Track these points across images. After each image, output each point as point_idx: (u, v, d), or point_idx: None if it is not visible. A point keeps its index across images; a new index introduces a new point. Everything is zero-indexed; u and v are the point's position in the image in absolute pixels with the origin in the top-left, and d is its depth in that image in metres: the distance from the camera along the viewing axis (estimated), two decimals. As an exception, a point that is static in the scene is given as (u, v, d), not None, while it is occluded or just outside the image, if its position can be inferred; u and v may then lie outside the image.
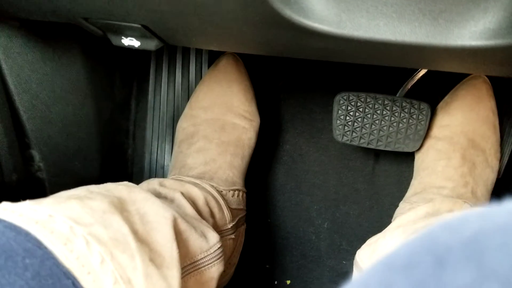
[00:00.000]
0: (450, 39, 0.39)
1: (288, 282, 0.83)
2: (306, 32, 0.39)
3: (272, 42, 0.45)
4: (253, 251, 0.82)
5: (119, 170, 0.84)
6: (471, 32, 0.38)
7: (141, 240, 0.42)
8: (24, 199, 0.43)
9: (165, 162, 0.85)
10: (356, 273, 0.64)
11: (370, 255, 0.61)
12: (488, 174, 0.69)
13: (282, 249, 0.85)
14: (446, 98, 0.74)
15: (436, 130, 0.71)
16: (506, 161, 0.74)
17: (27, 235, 0.34)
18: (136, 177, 0.86)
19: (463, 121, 0.69)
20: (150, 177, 0.85)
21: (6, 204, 0.38)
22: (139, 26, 0.44)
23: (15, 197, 0.64)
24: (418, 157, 0.74)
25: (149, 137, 0.85)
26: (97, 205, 0.41)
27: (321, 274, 0.84)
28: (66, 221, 0.38)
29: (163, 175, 0.85)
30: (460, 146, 0.68)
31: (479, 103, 0.69)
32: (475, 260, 0.15)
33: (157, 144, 0.85)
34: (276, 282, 0.84)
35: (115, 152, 0.82)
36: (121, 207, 0.44)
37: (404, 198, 0.72)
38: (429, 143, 0.72)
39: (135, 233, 0.42)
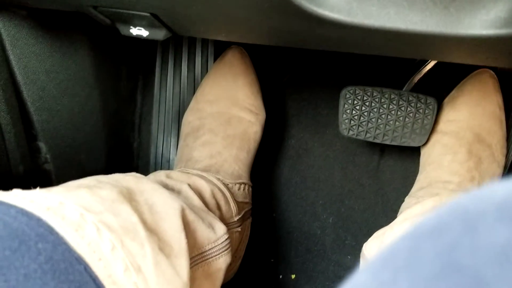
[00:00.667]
0: (461, 28, 0.39)
1: (293, 276, 0.83)
2: (316, 20, 0.39)
3: (281, 31, 0.45)
4: (258, 245, 0.82)
5: (125, 163, 0.84)
6: (482, 21, 0.38)
7: (150, 229, 0.42)
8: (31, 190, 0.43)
9: (171, 156, 0.85)
10: (363, 265, 0.64)
11: (378, 247, 0.61)
12: (495, 169, 0.69)
13: (287, 244, 0.85)
14: (452, 92, 0.73)
15: (442, 125, 0.71)
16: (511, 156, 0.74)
17: (39, 221, 0.34)
18: (141, 170, 0.86)
19: (469, 116, 0.69)
20: (155, 170, 0.85)
21: (17, 191, 0.38)
22: (148, 14, 0.44)
23: (22, 188, 0.64)
24: (424, 152, 0.74)
25: (154, 131, 0.85)
26: (107, 194, 0.42)
27: (326, 268, 0.84)
28: (77, 208, 0.38)
29: (169, 169, 0.85)
30: (466, 140, 0.68)
31: (486, 98, 0.69)
32: (508, 220, 0.15)
33: (163, 138, 0.85)
34: (280, 276, 0.84)
35: (121, 145, 0.82)
36: (129, 197, 0.44)
37: (410, 193, 0.72)
38: (435, 137, 0.71)
39: (144, 222, 0.42)
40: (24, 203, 0.36)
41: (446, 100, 0.74)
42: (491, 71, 0.71)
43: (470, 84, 0.71)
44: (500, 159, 0.70)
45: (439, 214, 0.17)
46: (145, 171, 0.86)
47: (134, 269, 0.38)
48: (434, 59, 0.71)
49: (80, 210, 0.38)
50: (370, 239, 0.64)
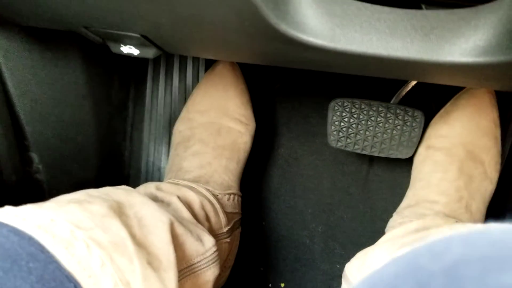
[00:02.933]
0: (441, 55, 0.40)
1: (282, 285, 0.84)
2: (301, 45, 0.40)
3: (267, 53, 0.46)
4: (247, 254, 0.83)
5: (116, 172, 0.85)
6: (462, 49, 0.39)
7: (139, 243, 0.43)
8: (23, 200, 0.44)
9: (162, 164, 0.86)
10: (345, 286, 0.65)
11: (359, 268, 0.62)
12: (486, 186, 0.68)
13: (276, 252, 0.86)
14: (446, 106, 0.73)
15: (434, 140, 0.70)
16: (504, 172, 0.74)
17: (30, 240, 0.35)
18: (133, 179, 0.87)
19: (462, 132, 0.68)
20: (146, 178, 0.86)
21: (9, 208, 0.39)
22: (138, 35, 0.45)
23: (14, 198, 0.65)
24: (416, 166, 0.73)
25: (146, 140, 0.86)
26: (97, 209, 0.42)
27: (315, 277, 0.85)
28: (67, 225, 0.38)
29: (160, 177, 0.86)
30: (457, 158, 0.67)
31: (481, 113, 0.68)
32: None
33: (154, 147, 0.86)
34: (270, 285, 0.85)
35: (113, 154, 0.83)
36: (119, 211, 0.45)
37: (398, 209, 0.73)
38: (426, 153, 0.70)
39: (133, 236, 0.43)
40: (16, 221, 0.37)
41: (440, 113, 0.73)
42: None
43: (465, 99, 0.70)
44: (493, 175, 0.69)
45: (394, 267, 0.18)
46: (136, 179, 0.87)
47: (123, 284, 0.39)
48: (417, 80, 0.72)
49: (70, 227, 0.39)
50: (352, 260, 0.65)
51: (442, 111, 0.72)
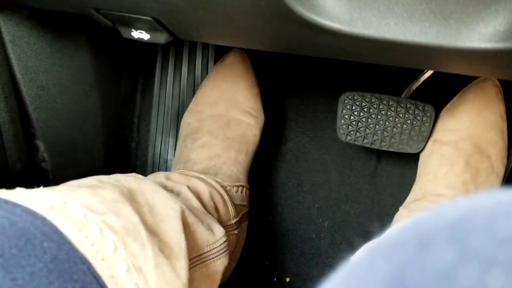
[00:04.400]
0: (459, 40, 0.39)
1: (288, 279, 0.84)
2: (317, 29, 0.40)
3: (282, 39, 0.45)
4: (253, 248, 0.82)
5: (123, 162, 0.84)
6: (481, 34, 0.38)
7: (150, 230, 0.42)
8: (29, 188, 0.43)
9: (169, 156, 0.85)
10: None
11: None
12: (493, 181, 0.67)
13: (282, 247, 0.85)
14: (453, 100, 0.72)
15: (441, 134, 0.70)
16: (510, 166, 0.74)
17: (43, 220, 0.35)
18: (139, 170, 0.86)
19: (469, 125, 0.67)
20: (153, 170, 0.86)
21: (21, 190, 0.39)
22: (150, 18, 0.44)
23: (20, 186, 0.64)
24: (422, 161, 0.73)
25: (153, 131, 0.85)
26: (108, 195, 0.42)
27: (321, 272, 0.84)
28: (80, 208, 0.38)
29: (166, 169, 0.85)
30: (465, 152, 0.66)
31: (487, 108, 0.68)
32: (458, 241, 0.15)
33: (161, 138, 0.85)
34: (275, 279, 0.84)
35: (119, 145, 0.83)
36: (131, 198, 0.44)
37: (404, 203, 0.72)
38: (433, 147, 0.70)
39: (144, 223, 0.42)
40: (28, 202, 0.36)
41: (446, 107, 0.72)
42: (495, 80, 0.70)
43: (472, 93, 0.69)
44: (500, 169, 0.69)
45: (398, 230, 0.17)
46: (142, 171, 0.86)
47: (136, 269, 0.38)
48: (432, 69, 0.71)
49: (83, 210, 0.38)
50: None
51: (449, 105, 0.72)
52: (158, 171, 0.85)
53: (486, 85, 0.69)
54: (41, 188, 0.40)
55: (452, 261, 0.14)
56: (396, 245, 0.17)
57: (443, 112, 0.72)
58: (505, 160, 0.70)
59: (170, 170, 0.84)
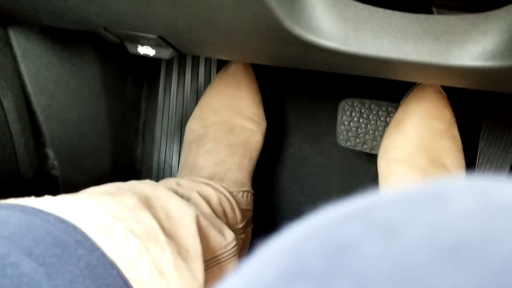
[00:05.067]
0: (450, 59, 0.41)
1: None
2: (314, 47, 0.42)
3: (280, 55, 0.47)
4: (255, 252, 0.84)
5: (129, 168, 0.87)
6: (471, 53, 0.40)
7: (168, 235, 0.44)
8: (39, 196, 0.45)
9: (173, 162, 0.87)
10: None
11: None
12: None
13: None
14: (397, 113, 0.69)
15: (392, 153, 0.66)
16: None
17: (74, 228, 0.37)
18: (144, 176, 0.88)
19: (418, 139, 0.65)
20: (158, 176, 0.88)
21: (50, 198, 0.41)
22: (155, 37, 0.46)
23: (31, 194, 0.66)
24: (381, 185, 0.70)
25: (158, 137, 0.88)
26: (128, 201, 0.44)
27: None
28: (105, 215, 0.40)
29: (171, 175, 0.87)
30: (419, 167, 0.64)
31: (432, 117, 0.65)
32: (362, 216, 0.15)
33: (166, 144, 0.87)
34: (277, 281, 0.86)
35: (125, 151, 0.85)
36: (147, 204, 0.46)
37: None
38: (388, 168, 0.67)
39: (162, 228, 0.44)
40: (59, 210, 0.38)
41: (392, 123, 0.69)
42: (436, 85, 0.67)
43: (415, 104, 0.67)
44: (459, 174, 0.66)
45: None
46: (148, 177, 0.88)
47: (158, 272, 0.40)
48: (426, 82, 0.72)
49: (108, 217, 0.40)
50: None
51: (394, 119, 0.69)
52: (163, 176, 0.87)
53: (427, 93, 0.66)
54: (68, 196, 0.42)
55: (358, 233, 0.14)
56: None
57: (389, 129, 0.69)
58: (462, 162, 0.67)
59: (174, 176, 0.86)
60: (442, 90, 0.67)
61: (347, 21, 0.41)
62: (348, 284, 0.12)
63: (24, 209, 0.37)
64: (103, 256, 0.37)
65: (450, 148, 0.65)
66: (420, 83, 0.69)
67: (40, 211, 0.37)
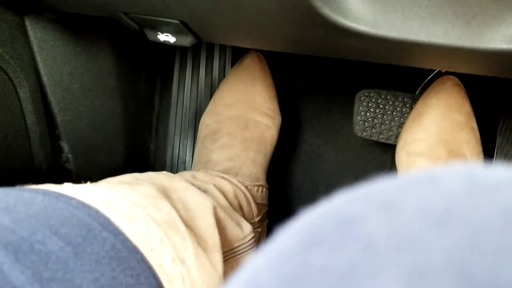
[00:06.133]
0: (482, 42, 0.40)
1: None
2: (342, 31, 0.41)
3: (305, 41, 0.46)
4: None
5: (142, 163, 0.86)
6: (503, 36, 0.39)
7: (187, 225, 0.44)
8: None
9: (187, 157, 0.86)
10: None
11: None
12: None
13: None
14: (417, 107, 0.70)
15: (413, 146, 0.67)
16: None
17: (97, 212, 0.36)
18: (157, 171, 0.87)
19: (438, 131, 0.65)
20: (171, 171, 0.87)
21: (69, 185, 0.40)
22: (177, 22, 0.45)
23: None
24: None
25: (171, 132, 0.87)
26: (146, 190, 0.43)
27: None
28: (126, 202, 0.39)
29: (184, 170, 0.86)
30: (441, 160, 0.64)
31: (453, 109, 0.66)
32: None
33: (179, 139, 0.86)
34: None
35: (138, 146, 0.84)
36: (165, 194, 0.46)
37: None
38: (409, 161, 0.68)
39: (181, 218, 0.44)
40: (80, 195, 0.38)
41: (411, 116, 0.70)
42: (454, 78, 0.68)
43: (434, 97, 0.67)
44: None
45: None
46: (161, 171, 0.87)
47: (179, 260, 0.40)
48: (454, 71, 0.71)
49: (129, 204, 0.40)
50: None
51: (413, 113, 0.70)
52: (177, 171, 0.86)
53: (447, 86, 0.67)
54: (87, 183, 0.42)
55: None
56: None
57: (409, 121, 0.70)
58: (481, 155, 0.68)
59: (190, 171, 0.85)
60: (461, 84, 0.67)
61: (376, 3, 0.40)
62: (356, 247, 0.15)
63: (46, 192, 0.36)
64: (126, 240, 0.36)
65: (470, 140, 0.66)
66: (440, 77, 0.69)
67: (62, 195, 0.37)
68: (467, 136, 0.66)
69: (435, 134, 0.66)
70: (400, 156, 0.69)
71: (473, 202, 0.15)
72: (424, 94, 0.70)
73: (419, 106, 0.69)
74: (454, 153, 0.65)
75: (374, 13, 0.40)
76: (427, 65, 0.50)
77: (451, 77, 0.68)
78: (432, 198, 0.15)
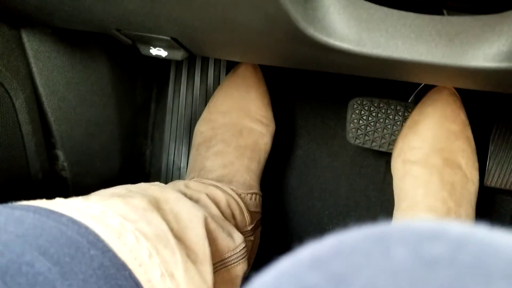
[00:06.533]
0: (464, 60, 0.41)
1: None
2: (327, 49, 0.42)
3: (293, 56, 0.47)
4: (264, 254, 0.84)
5: (138, 170, 0.87)
6: (485, 54, 0.40)
7: (177, 237, 0.44)
8: (49, 197, 0.45)
9: (182, 164, 0.87)
10: None
11: None
12: (469, 189, 0.67)
13: (292, 253, 0.87)
14: (413, 115, 0.71)
15: (408, 154, 0.68)
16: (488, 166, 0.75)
17: (86, 229, 0.37)
18: (153, 178, 0.88)
19: (434, 140, 0.66)
20: (167, 177, 0.88)
21: (61, 200, 0.41)
22: (169, 38, 0.46)
23: (41, 195, 0.66)
24: (396, 184, 0.71)
25: (167, 139, 0.88)
26: (138, 203, 0.44)
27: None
28: (116, 217, 0.40)
29: (180, 176, 0.87)
30: (436, 168, 0.65)
31: (448, 118, 0.67)
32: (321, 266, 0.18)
33: (175, 146, 0.87)
34: (286, 284, 0.86)
35: (134, 153, 0.85)
36: (157, 206, 0.46)
37: None
38: (404, 168, 0.68)
39: (171, 230, 0.44)
40: (71, 212, 0.38)
41: (407, 123, 0.71)
42: (451, 88, 0.68)
43: (431, 106, 0.68)
44: (474, 175, 0.68)
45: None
46: (157, 178, 0.88)
47: (168, 275, 0.40)
48: (439, 84, 0.72)
49: (119, 219, 0.40)
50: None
51: (409, 121, 0.71)
52: (172, 178, 0.87)
53: (443, 95, 0.68)
54: (79, 198, 0.42)
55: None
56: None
57: (405, 129, 0.71)
58: (476, 164, 0.69)
59: (183, 177, 0.86)
60: (456, 93, 0.68)
61: (360, 22, 0.41)
62: None
63: (37, 210, 0.37)
64: (115, 257, 0.37)
65: (465, 149, 0.66)
66: (435, 85, 0.70)
67: (53, 212, 0.37)
68: (463, 145, 0.66)
69: (430, 142, 0.66)
70: (396, 163, 0.70)
71: (417, 278, 0.16)
72: (420, 103, 0.70)
73: (415, 114, 0.70)
74: (449, 162, 0.66)
75: (359, 31, 0.41)
76: (413, 80, 0.51)
77: (447, 86, 0.68)
78: (379, 276, 0.16)
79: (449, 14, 0.44)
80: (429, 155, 0.66)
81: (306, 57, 0.47)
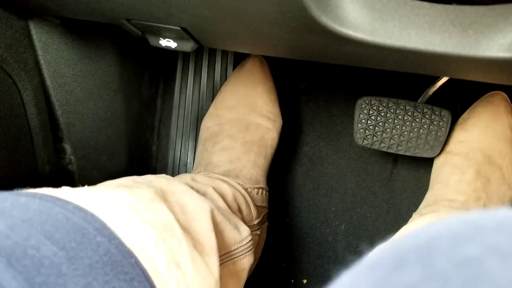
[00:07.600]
0: (478, 50, 0.40)
1: (305, 281, 0.85)
2: (340, 38, 0.41)
3: (305, 47, 0.47)
4: (270, 250, 0.84)
5: (144, 165, 0.86)
6: (500, 44, 0.40)
7: (183, 228, 0.44)
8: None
9: (188, 159, 0.87)
10: None
11: None
12: (505, 191, 0.69)
13: (299, 249, 0.87)
14: (464, 114, 0.75)
15: (452, 146, 0.72)
16: None
17: (93, 216, 0.37)
18: (159, 173, 0.88)
19: (479, 137, 0.70)
20: (173, 173, 0.88)
21: (67, 189, 0.40)
22: (179, 28, 0.46)
23: (48, 188, 0.66)
24: (434, 171, 0.75)
25: (173, 135, 0.87)
26: (144, 194, 0.44)
27: (337, 274, 0.85)
28: (122, 206, 0.40)
29: (186, 172, 0.87)
30: (475, 161, 0.68)
31: (497, 120, 0.70)
32: (424, 261, 0.17)
33: (181, 142, 0.87)
34: (292, 281, 0.85)
35: (141, 148, 0.85)
36: (163, 197, 0.46)
37: (417, 210, 0.74)
38: (445, 158, 0.72)
39: (178, 221, 0.44)
40: (77, 199, 0.38)
41: (458, 122, 0.75)
42: (503, 94, 0.73)
43: (481, 106, 0.72)
44: (511, 180, 0.70)
45: (378, 250, 0.19)
46: (162, 173, 0.88)
47: (175, 264, 0.40)
48: (451, 77, 0.72)
49: (125, 208, 0.40)
50: (369, 254, 0.65)
51: (460, 119, 0.74)
52: (178, 173, 0.87)
53: (494, 99, 0.71)
54: (85, 187, 0.42)
55: (417, 280, 0.17)
56: (376, 264, 0.19)
57: (455, 126, 0.74)
58: None
59: (189, 173, 0.86)
60: (508, 99, 0.72)
61: (374, 12, 0.40)
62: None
63: (43, 196, 0.37)
64: (121, 244, 0.36)
65: (508, 153, 0.69)
66: (489, 92, 0.74)
67: (59, 199, 0.37)
68: (506, 148, 0.69)
69: (475, 139, 0.70)
70: (439, 156, 0.74)
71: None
72: (473, 105, 0.75)
73: (466, 113, 0.74)
74: (490, 160, 0.68)
75: (372, 21, 0.41)
76: (425, 72, 0.51)
77: (500, 92, 0.73)
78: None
79: (462, 3, 0.43)
80: (472, 150, 0.69)
81: (317, 48, 0.47)
